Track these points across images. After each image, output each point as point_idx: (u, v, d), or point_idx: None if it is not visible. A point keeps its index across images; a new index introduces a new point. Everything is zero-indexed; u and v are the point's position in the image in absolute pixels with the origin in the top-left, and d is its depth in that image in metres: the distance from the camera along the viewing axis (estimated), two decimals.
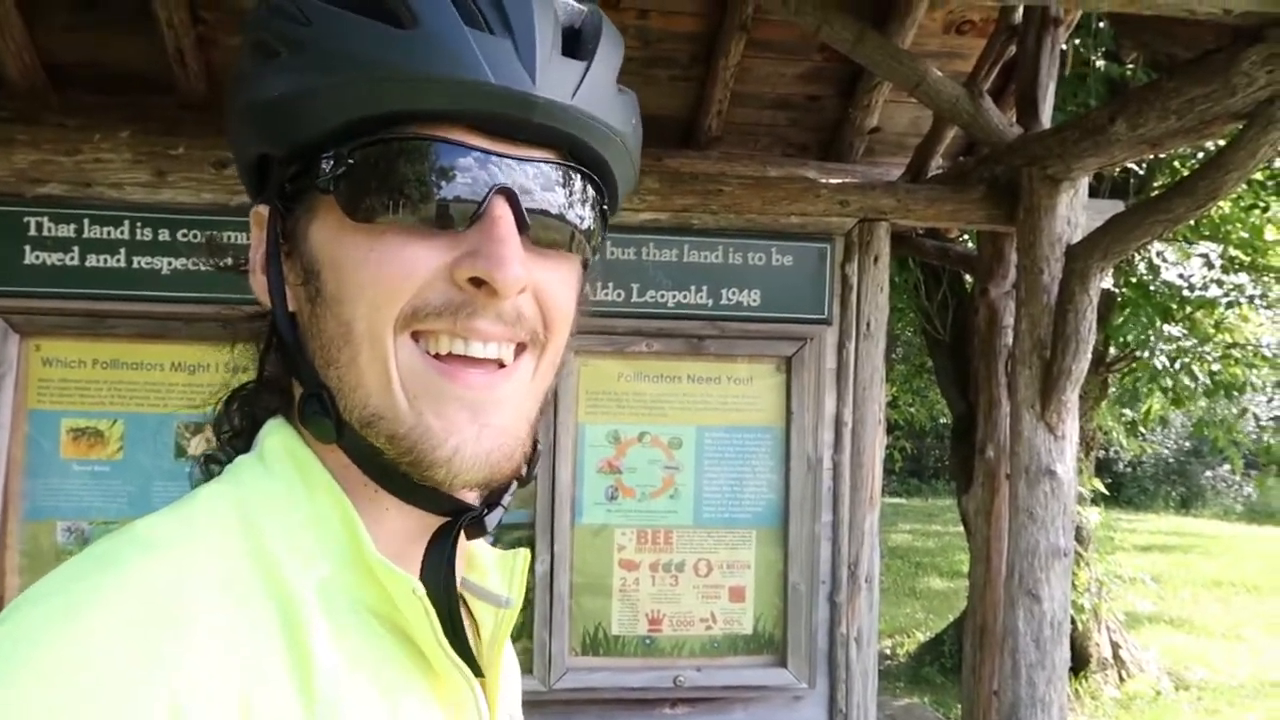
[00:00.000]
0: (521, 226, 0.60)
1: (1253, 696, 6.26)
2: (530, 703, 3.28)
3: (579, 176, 0.64)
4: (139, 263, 2.93)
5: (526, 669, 3.07)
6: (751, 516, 3.27)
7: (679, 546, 3.22)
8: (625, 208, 3.07)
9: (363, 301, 0.60)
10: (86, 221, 2.91)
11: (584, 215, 0.65)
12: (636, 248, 3.21)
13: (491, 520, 0.66)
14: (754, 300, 3.26)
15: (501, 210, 0.60)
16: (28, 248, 2.89)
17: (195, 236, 2.96)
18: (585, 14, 0.67)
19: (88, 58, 3.32)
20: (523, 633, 3.10)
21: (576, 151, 0.64)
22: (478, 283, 0.59)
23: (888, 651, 6.67)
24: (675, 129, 3.83)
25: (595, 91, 0.63)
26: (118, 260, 2.92)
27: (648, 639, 3.19)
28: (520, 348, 0.63)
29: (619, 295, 3.19)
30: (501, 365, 0.62)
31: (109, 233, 2.92)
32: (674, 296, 3.22)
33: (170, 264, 2.94)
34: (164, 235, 2.95)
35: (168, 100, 3.36)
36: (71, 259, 2.90)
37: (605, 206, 0.68)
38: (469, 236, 0.60)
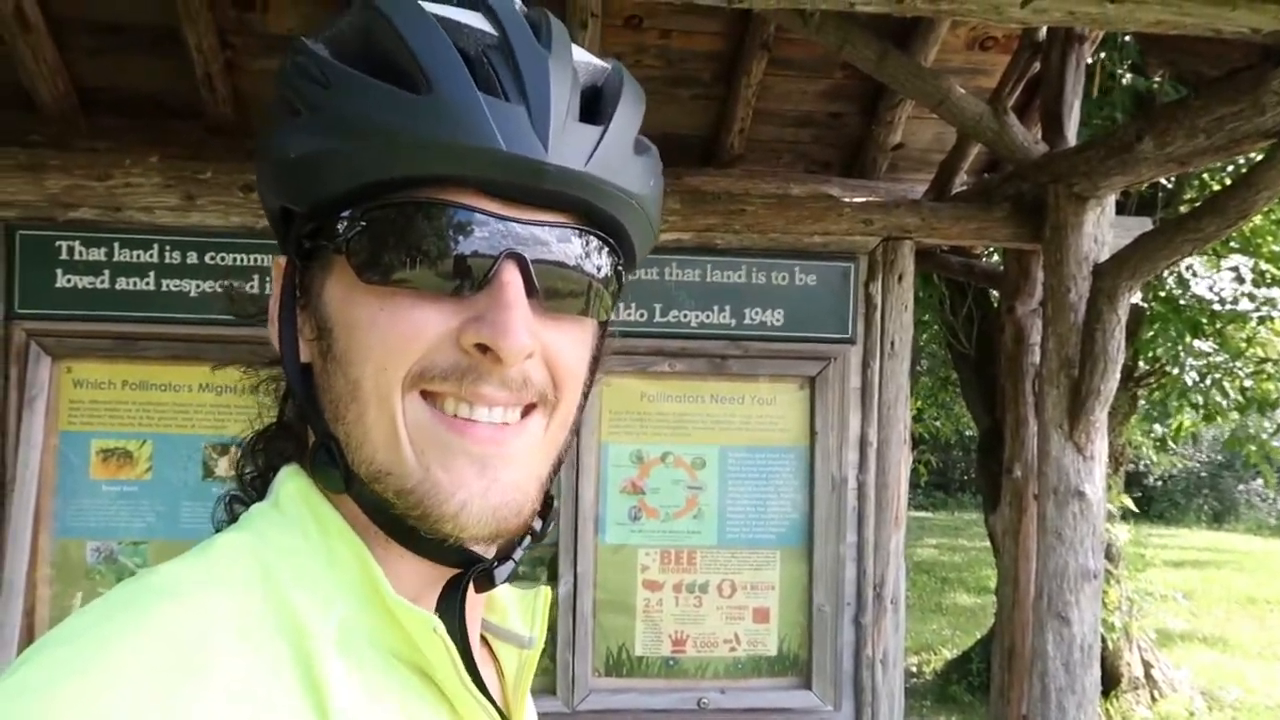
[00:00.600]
0: (530, 291, 0.61)
1: None
2: None
3: (592, 240, 0.64)
4: (168, 285, 2.97)
5: (549, 690, 3.07)
6: (775, 537, 3.25)
7: (703, 567, 3.21)
8: None
9: (370, 362, 0.60)
10: (117, 245, 2.96)
11: (596, 278, 0.65)
12: (659, 268, 3.21)
13: (501, 574, 0.67)
14: (777, 320, 3.25)
15: (510, 275, 0.60)
16: (59, 271, 2.93)
17: (223, 259, 3.00)
18: (607, 73, 0.67)
19: (116, 82, 3.38)
20: (545, 654, 3.10)
21: (591, 215, 0.64)
22: (483, 348, 0.59)
23: (914, 669, 6.60)
24: (697, 147, 3.84)
25: (611, 155, 0.63)
26: (147, 283, 2.96)
27: (671, 660, 3.18)
28: (530, 407, 0.63)
29: (642, 315, 3.19)
30: (506, 424, 0.62)
31: (138, 256, 2.97)
32: (697, 316, 3.22)
33: (199, 286, 2.98)
34: (193, 258, 2.99)
35: (195, 124, 3.41)
36: (102, 282, 2.95)
37: (621, 267, 0.68)
38: (477, 301, 0.60)
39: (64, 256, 2.94)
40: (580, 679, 3.08)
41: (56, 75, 3.25)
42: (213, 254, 2.99)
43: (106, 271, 2.95)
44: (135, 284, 2.96)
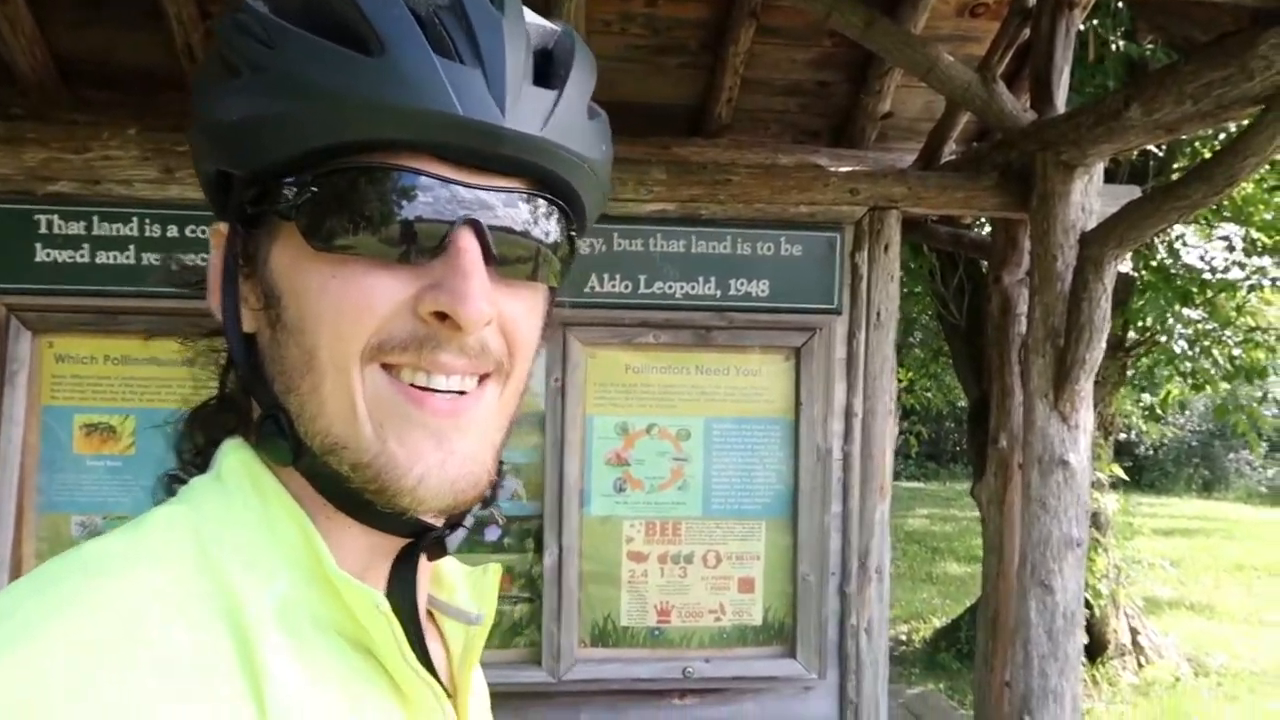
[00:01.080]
0: (488, 258, 0.60)
1: (1275, 683, 6.20)
2: (539, 694, 3.27)
3: (547, 206, 0.64)
4: (148, 259, 2.95)
5: (535, 661, 3.09)
6: (761, 508, 3.27)
7: (688, 538, 3.22)
8: (632, 199, 3.08)
9: (324, 331, 0.59)
10: (96, 219, 2.93)
11: (551, 245, 0.64)
12: (644, 239, 3.19)
13: (453, 541, 0.66)
14: (763, 291, 3.24)
15: (467, 242, 0.59)
16: (39, 245, 2.91)
17: (203, 232, 2.98)
18: (557, 35, 0.66)
19: (97, 54, 3.34)
20: (531, 625, 3.12)
21: (545, 180, 0.63)
22: (441, 316, 0.58)
23: (904, 637, 6.65)
24: (684, 117, 3.80)
25: (566, 120, 0.62)
26: (127, 257, 2.94)
27: (656, 630, 3.20)
28: (484, 376, 0.63)
29: (626, 287, 3.18)
30: (463, 394, 0.62)
31: (118, 229, 2.94)
32: (682, 288, 3.20)
33: (179, 260, 2.96)
34: (172, 231, 2.96)
35: (179, 96, 3.37)
36: (82, 256, 2.93)
37: (573, 233, 0.67)
38: (434, 268, 0.59)
39: (43, 230, 2.91)
40: (566, 650, 3.10)
41: (35, 46, 3.21)
42: (193, 227, 2.97)
43: (86, 245, 2.93)
44: (115, 258, 2.94)
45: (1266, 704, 5.78)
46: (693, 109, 3.79)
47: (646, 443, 3.21)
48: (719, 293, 3.22)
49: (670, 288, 3.20)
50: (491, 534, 3.12)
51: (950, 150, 3.87)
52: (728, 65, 3.54)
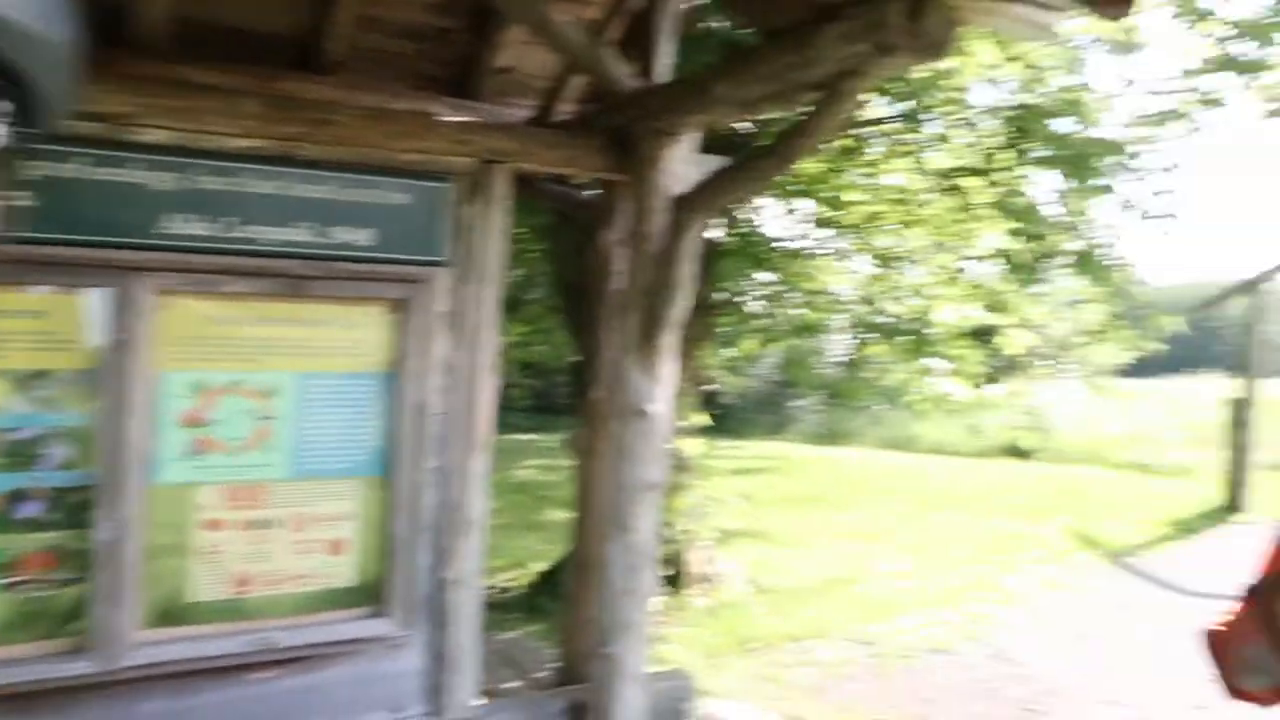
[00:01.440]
0: None
1: (814, 595, 7.28)
2: (90, 687, 2.84)
3: None
4: None
5: (81, 651, 2.71)
6: (355, 466, 3.13)
7: (273, 501, 3.00)
8: (220, 131, 2.74)
9: None
10: None
11: None
12: (232, 176, 2.87)
13: None
14: (365, 240, 3.07)
15: None
16: None
17: None
18: None
19: None
20: (81, 611, 2.72)
21: None
22: None
23: (506, 586, 6.83)
24: (291, 49, 3.44)
25: None
26: None
27: (233, 602, 2.95)
28: None
29: (210, 229, 2.84)
30: None
31: None
32: (275, 233, 2.93)
33: None
34: None
35: None
36: None
37: (25, 127, 0.57)
38: None
39: None
40: (120, 635, 2.75)
41: None
42: None
43: None
44: None
45: (805, 612, 6.78)
46: (301, 42, 3.45)
47: (228, 401, 2.92)
48: (317, 240, 3.00)
49: (262, 232, 2.91)
50: (29, 509, 2.65)
51: (567, 110, 3.93)
52: None
